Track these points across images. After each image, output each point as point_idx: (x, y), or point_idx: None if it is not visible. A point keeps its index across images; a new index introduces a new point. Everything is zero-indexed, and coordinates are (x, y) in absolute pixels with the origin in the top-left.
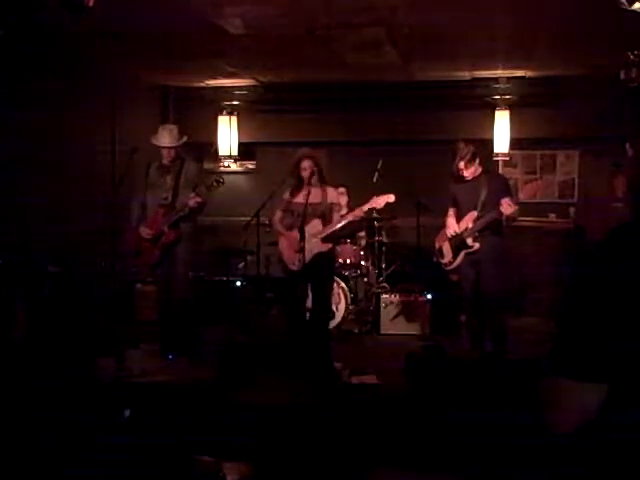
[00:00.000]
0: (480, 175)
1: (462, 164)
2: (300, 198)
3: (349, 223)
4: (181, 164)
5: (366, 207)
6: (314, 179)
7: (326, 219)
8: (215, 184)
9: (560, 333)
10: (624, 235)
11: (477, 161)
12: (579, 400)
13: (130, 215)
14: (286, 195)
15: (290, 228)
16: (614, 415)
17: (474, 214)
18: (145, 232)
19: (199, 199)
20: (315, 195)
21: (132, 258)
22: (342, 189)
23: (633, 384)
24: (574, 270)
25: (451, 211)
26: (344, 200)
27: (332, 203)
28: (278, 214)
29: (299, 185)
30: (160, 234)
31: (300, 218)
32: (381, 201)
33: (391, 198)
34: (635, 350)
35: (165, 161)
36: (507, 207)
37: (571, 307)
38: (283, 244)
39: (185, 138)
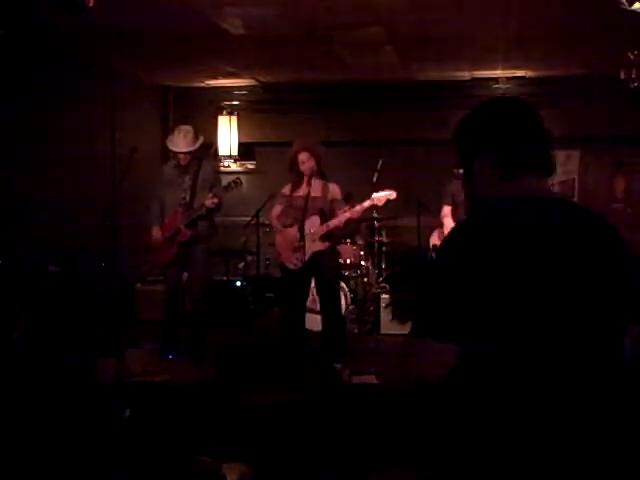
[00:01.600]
0: None
1: None
2: (300, 192)
3: (349, 221)
4: (199, 164)
5: (367, 204)
6: (313, 172)
7: (325, 216)
8: (233, 185)
9: (423, 300)
10: (463, 229)
11: None
12: (437, 356)
13: (148, 215)
14: (285, 190)
15: (288, 225)
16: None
17: None
18: (163, 229)
19: (216, 199)
20: (315, 189)
21: (148, 255)
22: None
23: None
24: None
25: (447, 209)
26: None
27: (333, 199)
28: (277, 209)
29: (299, 180)
30: (176, 232)
31: (299, 213)
32: (382, 198)
33: (392, 195)
34: (481, 318)
35: (182, 162)
36: None
37: (432, 280)
38: (280, 242)
39: (201, 139)
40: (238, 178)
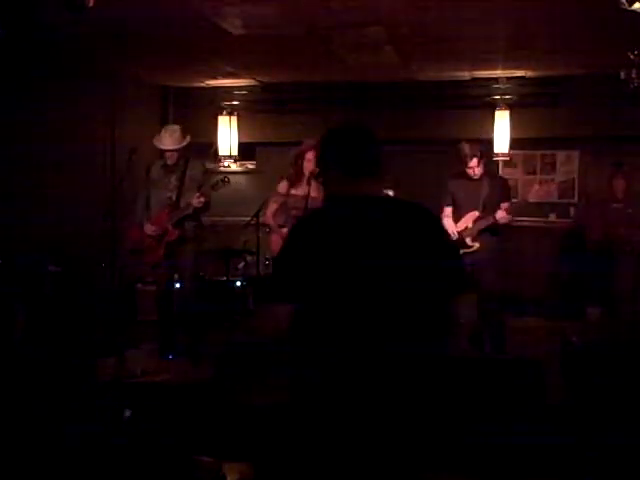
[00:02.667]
0: (482, 176)
1: (475, 161)
2: (298, 191)
3: None
4: (185, 164)
5: None
6: (315, 173)
7: None
8: (220, 183)
9: (271, 276)
10: (308, 219)
11: (483, 162)
12: (276, 313)
13: (134, 214)
14: (282, 188)
15: (284, 224)
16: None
17: (475, 214)
18: (150, 229)
19: (203, 199)
20: (313, 189)
21: (135, 256)
22: None
23: (314, 307)
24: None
25: (448, 210)
26: None
27: None
28: (272, 207)
29: (298, 178)
30: (164, 232)
31: (294, 212)
32: None
33: (389, 193)
34: (315, 284)
35: (169, 162)
36: (502, 217)
37: (278, 261)
38: (277, 241)
39: (188, 138)
40: (226, 176)
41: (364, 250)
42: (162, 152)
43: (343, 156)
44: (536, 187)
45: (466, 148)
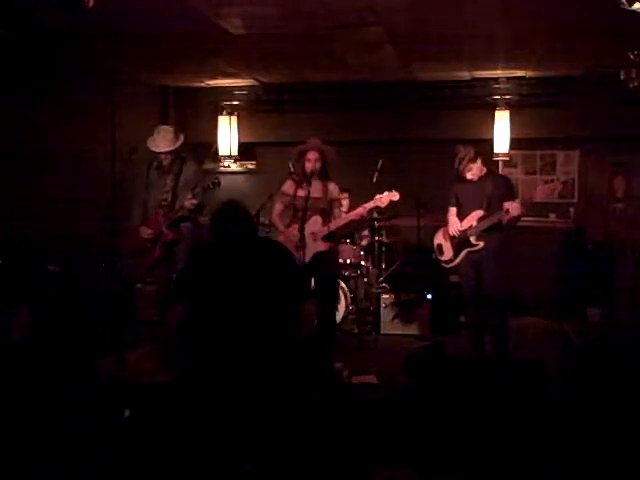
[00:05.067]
0: (486, 175)
1: (460, 167)
2: (301, 192)
3: (350, 222)
4: (181, 165)
5: (369, 205)
6: (317, 173)
7: (326, 216)
8: (211, 186)
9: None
10: (200, 250)
11: (479, 161)
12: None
13: (131, 215)
14: (287, 188)
15: (289, 224)
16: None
17: (479, 213)
18: (145, 232)
19: (194, 201)
20: (316, 189)
21: (133, 258)
22: (345, 194)
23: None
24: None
25: (453, 210)
26: (346, 204)
27: (332, 199)
28: (278, 207)
29: (301, 177)
30: (159, 234)
31: (300, 214)
32: (385, 200)
33: (396, 196)
34: (200, 290)
35: (164, 163)
36: (515, 209)
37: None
38: (282, 241)
39: (182, 138)
40: (217, 178)
41: (231, 272)
42: (156, 154)
43: (219, 221)
44: (540, 187)
45: (457, 152)
